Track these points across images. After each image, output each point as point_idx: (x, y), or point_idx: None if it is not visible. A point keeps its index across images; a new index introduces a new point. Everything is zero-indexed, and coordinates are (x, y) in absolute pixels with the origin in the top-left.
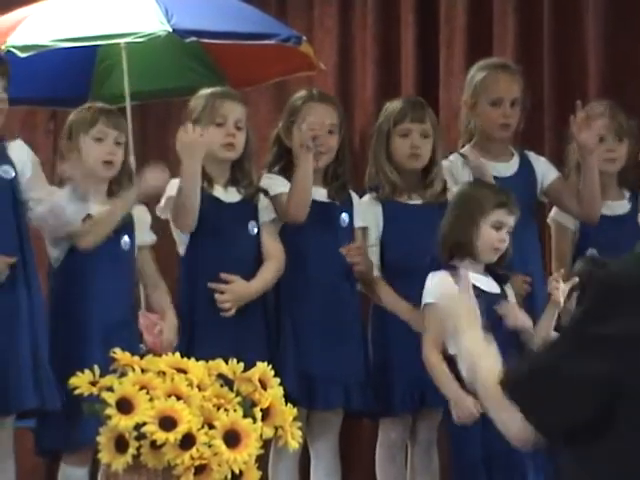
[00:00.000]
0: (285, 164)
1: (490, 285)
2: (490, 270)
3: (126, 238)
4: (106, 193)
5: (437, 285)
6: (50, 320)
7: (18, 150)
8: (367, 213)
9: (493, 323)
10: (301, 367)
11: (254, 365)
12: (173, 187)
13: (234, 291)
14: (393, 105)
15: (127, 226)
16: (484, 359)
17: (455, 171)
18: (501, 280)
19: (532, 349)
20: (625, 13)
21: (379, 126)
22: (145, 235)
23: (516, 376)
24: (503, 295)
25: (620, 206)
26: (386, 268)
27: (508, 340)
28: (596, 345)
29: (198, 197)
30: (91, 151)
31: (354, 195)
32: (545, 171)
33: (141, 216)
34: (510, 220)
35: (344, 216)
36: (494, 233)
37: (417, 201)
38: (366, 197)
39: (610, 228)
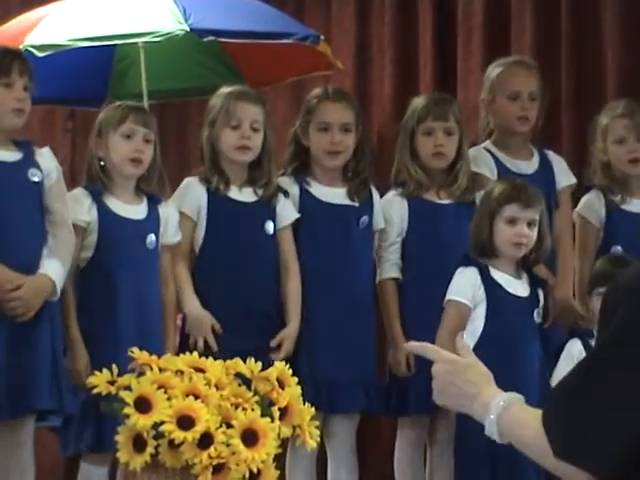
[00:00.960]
0: (302, 163)
1: (518, 288)
2: (528, 271)
3: (152, 237)
4: (134, 190)
5: (463, 282)
6: (78, 320)
7: (46, 157)
8: (390, 208)
9: (518, 327)
10: (318, 371)
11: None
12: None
13: (287, 346)
14: (418, 101)
15: (153, 225)
16: (522, 429)
17: (476, 162)
18: (535, 283)
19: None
20: None
21: (404, 124)
22: (170, 234)
23: (558, 440)
24: (533, 299)
25: None
26: (408, 267)
27: (538, 346)
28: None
29: None
30: (119, 148)
31: (375, 194)
32: (560, 173)
33: (170, 214)
34: (527, 214)
35: (364, 219)
36: (509, 229)
37: (444, 200)
38: (391, 192)
39: (635, 225)
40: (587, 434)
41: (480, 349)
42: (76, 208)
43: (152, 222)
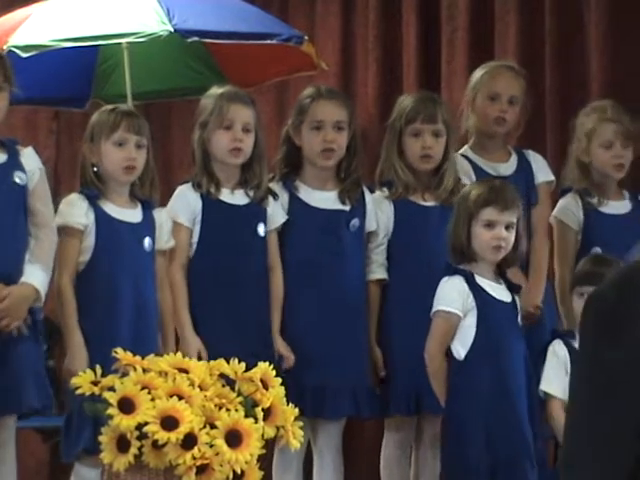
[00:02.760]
0: (295, 163)
1: (502, 293)
2: (503, 277)
3: (149, 240)
4: (128, 195)
5: (451, 291)
6: (80, 322)
7: (30, 158)
8: (377, 210)
9: (507, 332)
10: (308, 375)
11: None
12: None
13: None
14: (406, 101)
15: (149, 228)
16: None
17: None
18: (512, 289)
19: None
20: (628, 13)
21: (392, 123)
22: (164, 240)
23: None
24: (515, 303)
25: (622, 205)
26: (393, 269)
27: (524, 348)
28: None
29: None
30: (111, 156)
31: (368, 195)
32: (538, 170)
33: (164, 220)
34: (504, 217)
35: (354, 222)
36: (487, 232)
37: (430, 202)
38: (377, 194)
39: (613, 227)
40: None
41: (472, 357)
42: (73, 212)
43: (148, 225)
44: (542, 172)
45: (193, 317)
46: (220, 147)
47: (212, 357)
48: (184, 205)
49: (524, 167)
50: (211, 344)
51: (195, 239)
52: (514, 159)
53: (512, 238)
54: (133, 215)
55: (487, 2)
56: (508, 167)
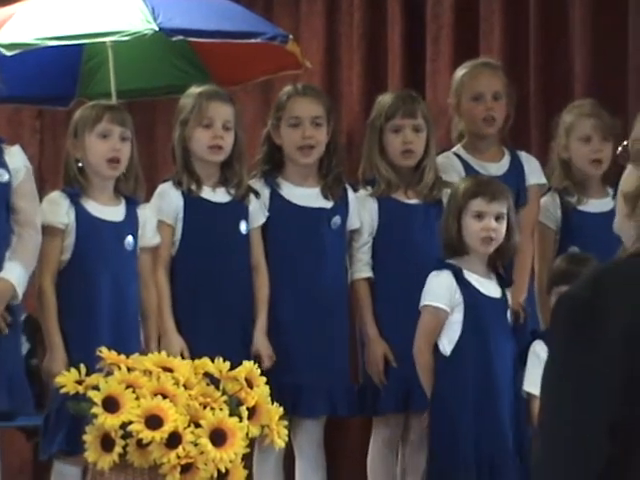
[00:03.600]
0: (275, 163)
1: (491, 289)
2: (495, 272)
3: (130, 238)
4: (112, 192)
5: (438, 286)
6: (60, 321)
7: (15, 156)
8: (361, 209)
9: (495, 328)
10: (289, 374)
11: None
12: (154, 207)
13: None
14: (385, 99)
15: (131, 226)
16: None
17: (445, 169)
18: (503, 284)
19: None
20: (611, 12)
21: (372, 121)
22: (148, 236)
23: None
24: (504, 299)
25: (604, 204)
26: (378, 267)
27: (512, 346)
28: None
29: None
30: (95, 148)
31: (350, 192)
32: (530, 171)
33: (148, 216)
34: (493, 207)
35: (335, 219)
36: (476, 223)
37: (413, 200)
38: (361, 192)
39: (593, 225)
40: None
41: (458, 353)
42: (54, 210)
43: (130, 224)
44: (534, 175)
45: (175, 316)
46: (200, 145)
47: (194, 356)
48: (166, 203)
49: (516, 168)
50: (193, 343)
51: (177, 237)
52: (507, 159)
53: (503, 229)
54: (116, 213)
55: (472, 2)
56: (500, 167)
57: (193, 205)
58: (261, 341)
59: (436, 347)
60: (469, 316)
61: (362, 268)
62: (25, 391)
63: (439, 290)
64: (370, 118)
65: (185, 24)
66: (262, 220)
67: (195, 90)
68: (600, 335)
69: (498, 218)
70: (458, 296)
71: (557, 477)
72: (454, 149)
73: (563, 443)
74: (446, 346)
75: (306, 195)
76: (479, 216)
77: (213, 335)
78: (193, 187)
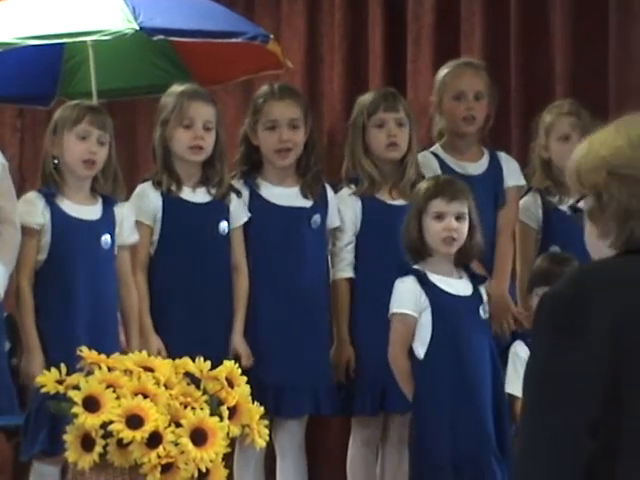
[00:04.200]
0: (254, 163)
1: (459, 287)
2: (467, 270)
3: (107, 237)
4: (89, 191)
5: (403, 293)
6: (37, 321)
7: None
8: (344, 208)
9: (466, 326)
10: (269, 374)
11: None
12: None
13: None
14: (365, 98)
15: (107, 225)
16: None
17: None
18: (476, 281)
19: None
20: (592, 13)
21: (354, 120)
22: (126, 235)
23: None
24: (476, 296)
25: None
26: (361, 267)
27: (488, 341)
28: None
29: None
30: (73, 148)
31: (330, 191)
32: (508, 173)
33: (125, 215)
34: (453, 207)
35: (315, 217)
36: (437, 224)
37: (397, 201)
38: (344, 191)
39: (574, 225)
40: None
41: (431, 355)
42: (30, 210)
43: (107, 222)
44: (513, 176)
45: (153, 316)
46: (181, 145)
47: (173, 357)
48: (144, 204)
49: (495, 169)
50: (171, 344)
51: (155, 237)
52: (486, 159)
53: (464, 229)
54: (92, 212)
55: (453, 2)
56: (478, 167)
57: (172, 205)
58: (238, 341)
59: (412, 352)
60: (437, 317)
61: (344, 268)
62: (9, 389)
63: (404, 296)
64: (352, 118)
65: (166, 23)
66: (244, 219)
67: (176, 89)
68: (582, 335)
69: (459, 218)
70: (424, 299)
71: (538, 475)
72: (432, 148)
73: (544, 442)
74: (419, 349)
75: (285, 195)
76: (439, 217)
77: (191, 336)
78: (173, 187)
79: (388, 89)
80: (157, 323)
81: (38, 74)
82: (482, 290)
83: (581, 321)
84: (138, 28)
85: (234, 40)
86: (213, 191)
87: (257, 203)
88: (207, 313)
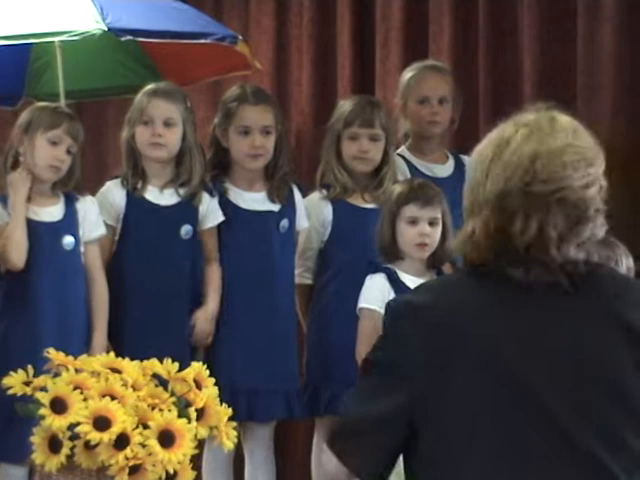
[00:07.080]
0: (224, 164)
1: None
2: (437, 271)
3: (68, 238)
4: (50, 191)
5: (372, 289)
6: (2, 326)
7: None
8: (314, 211)
9: None
10: (237, 378)
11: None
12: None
13: (201, 326)
14: (345, 106)
15: (69, 225)
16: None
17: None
18: None
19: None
20: (559, 14)
21: (331, 125)
22: (90, 229)
23: (333, 431)
24: None
25: None
26: (331, 270)
27: None
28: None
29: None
30: (42, 152)
31: (297, 193)
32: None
33: (87, 209)
34: (426, 213)
35: (284, 222)
36: (410, 229)
37: (369, 204)
38: (315, 194)
39: None
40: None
41: None
42: None
43: (69, 222)
44: None
45: (111, 317)
46: (141, 142)
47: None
48: (108, 202)
49: (460, 171)
50: (128, 347)
51: (116, 237)
52: (451, 162)
53: (437, 234)
54: (52, 213)
55: (421, 3)
56: (445, 169)
57: (134, 206)
58: (202, 319)
59: None
60: None
61: (303, 274)
62: None
63: (372, 292)
64: (330, 121)
65: (134, 24)
66: (219, 219)
67: (145, 88)
68: (393, 340)
69: (432, 223)
70: (392, 297)
71: (353, 452)
72: (399, 150)
73: (362, 425)
74: None
75: (253, 199)
76: (413, 222)
77: (148, 340)
78: (138, 186)
79: (368, 99)
80: (112, 325)
81: (5, 74)
82: None
83: (395, 330)
84: (106, 29)
85: (202, 41)
86: (181, 191)
87: (226, 208)
88: (163, 319)
